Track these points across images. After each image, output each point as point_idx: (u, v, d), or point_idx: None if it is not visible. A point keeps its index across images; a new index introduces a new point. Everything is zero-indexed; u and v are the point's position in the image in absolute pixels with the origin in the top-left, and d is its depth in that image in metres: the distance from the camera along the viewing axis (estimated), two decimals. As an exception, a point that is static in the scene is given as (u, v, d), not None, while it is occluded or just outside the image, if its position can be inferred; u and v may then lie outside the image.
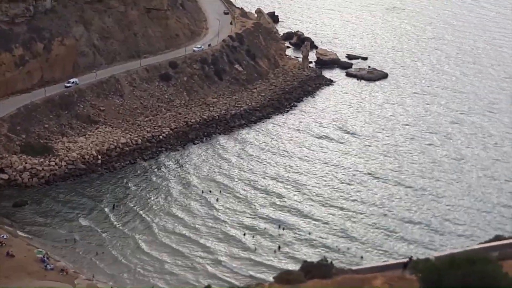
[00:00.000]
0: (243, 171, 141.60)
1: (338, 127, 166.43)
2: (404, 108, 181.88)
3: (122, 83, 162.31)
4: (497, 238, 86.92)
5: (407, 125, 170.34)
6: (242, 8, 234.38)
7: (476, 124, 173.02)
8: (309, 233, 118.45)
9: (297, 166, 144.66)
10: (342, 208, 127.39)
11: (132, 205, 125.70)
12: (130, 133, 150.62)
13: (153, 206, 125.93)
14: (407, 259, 60.45)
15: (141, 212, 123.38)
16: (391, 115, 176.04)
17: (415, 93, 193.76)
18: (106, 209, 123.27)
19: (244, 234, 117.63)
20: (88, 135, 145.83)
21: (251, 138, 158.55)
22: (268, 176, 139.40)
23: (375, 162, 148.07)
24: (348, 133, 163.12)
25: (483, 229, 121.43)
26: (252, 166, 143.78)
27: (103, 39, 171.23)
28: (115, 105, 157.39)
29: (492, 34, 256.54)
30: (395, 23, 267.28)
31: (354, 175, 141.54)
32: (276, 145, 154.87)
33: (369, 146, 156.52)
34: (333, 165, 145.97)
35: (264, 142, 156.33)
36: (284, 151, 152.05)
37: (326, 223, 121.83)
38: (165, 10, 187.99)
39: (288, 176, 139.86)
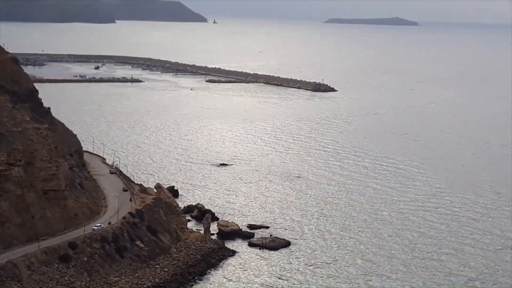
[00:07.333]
0: None
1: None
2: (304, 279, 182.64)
3: (20, 268, 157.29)
4: None
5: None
6: (141, 184, 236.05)
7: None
8: None
9: None
10: None
11: None
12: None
13: None
14: None
15: None
16: None
17: (314, 264, 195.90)
18: None
19: None
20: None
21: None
22: None
23: None
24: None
25: None
26: None
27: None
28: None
29: (376, 206, 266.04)
30: (293, 190, 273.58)
31: None
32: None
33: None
34: None
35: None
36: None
37: None
38: (63, 190, 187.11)
39: None
